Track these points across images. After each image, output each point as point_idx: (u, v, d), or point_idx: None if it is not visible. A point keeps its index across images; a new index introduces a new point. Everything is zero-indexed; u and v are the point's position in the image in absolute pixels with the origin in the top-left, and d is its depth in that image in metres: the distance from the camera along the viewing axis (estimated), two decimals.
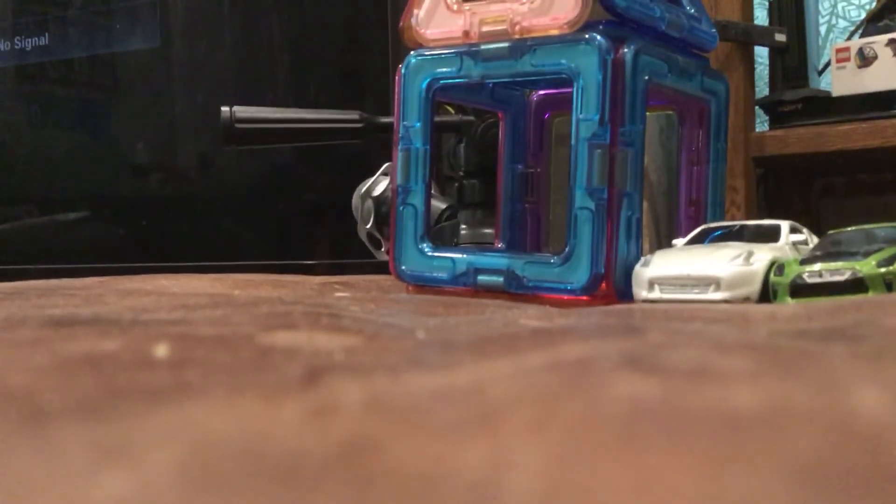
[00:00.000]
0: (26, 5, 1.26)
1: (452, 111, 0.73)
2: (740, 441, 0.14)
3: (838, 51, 0.99)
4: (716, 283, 0.40)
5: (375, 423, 0.16)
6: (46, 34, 1.24)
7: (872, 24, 1.02)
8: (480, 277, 0.48)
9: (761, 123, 1.10)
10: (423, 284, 0.51)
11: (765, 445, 0.14)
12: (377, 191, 0.73)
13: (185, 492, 0.13)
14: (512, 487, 0.13)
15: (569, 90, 0.46)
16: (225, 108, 0.71)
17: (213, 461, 0.14)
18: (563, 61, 0.46)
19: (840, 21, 1.23)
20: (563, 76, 0.46)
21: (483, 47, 0.49)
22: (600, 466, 0.13)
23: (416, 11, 0.51)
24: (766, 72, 1.11)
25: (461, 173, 0.71)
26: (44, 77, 1.27)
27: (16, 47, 1.26)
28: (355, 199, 0.76)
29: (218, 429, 0.15)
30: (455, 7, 0.50)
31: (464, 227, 0.70)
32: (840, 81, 0.98)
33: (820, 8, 1.21)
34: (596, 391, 0.18)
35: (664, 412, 0.16)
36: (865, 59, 0.97)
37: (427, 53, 0.51)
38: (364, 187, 0.75)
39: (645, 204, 0.49)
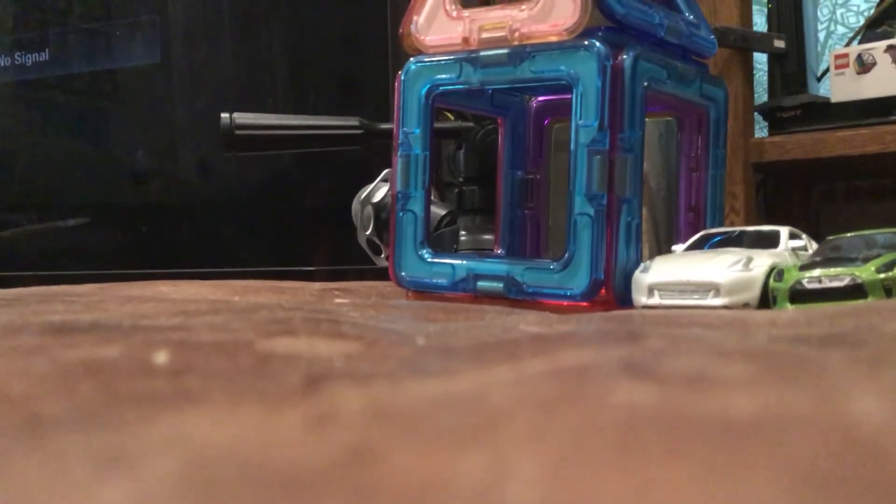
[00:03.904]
0: (28, 18, 1.27)
1: (452, 117, 0.73)
2: (739, 448, 0.14)
3: (837, 57, 0.99)
4: (715, 288, 0.40)
5: (375, 431, 0.16)
6: (47, 49, 1.24)
7: (871, 30, 1.02)
8: (480, 283, 0.48)
9: (760, 129, 1.10)
10: (423, 290, 0.51)
11: (763, 452, 0.14)
12: (377, 197, 0.73)
13: (184, 500, 0.13)
14: (512, 495, 0.13)
15: (568, 96, 0.46)
16: (225, 115, 0.72)
17: (212, 469, 0.14)
18: (563, 68, 0.46)
19: (839, 27, 1.23)
20: (563, 82, 0.46)
21: (482, 54, 0.49)
22: (599, 474, 0.13)
23: (415, 18, 0.51)
24: (766, 78, 1.11)
25: (461, 179, 0.71)
26: (45, 86, 1.27)
27: (16, 62, 1.26)
28: (355, 206, 0.76)
29: (217, 437, 0.15)
30: (454, 13, 0.50)
31: (463, 233, 0.70)
32: (839, 87, 0.98)
33: (819, 14, 1.22)
34: (595, 398, 0.18)
35: (663, 419, 0.16)
36: (864, 66, 0.97)
37: (427, 60, 0.51)
38: (364, 193, 0.75)
39: (644, 210, 0.49)
